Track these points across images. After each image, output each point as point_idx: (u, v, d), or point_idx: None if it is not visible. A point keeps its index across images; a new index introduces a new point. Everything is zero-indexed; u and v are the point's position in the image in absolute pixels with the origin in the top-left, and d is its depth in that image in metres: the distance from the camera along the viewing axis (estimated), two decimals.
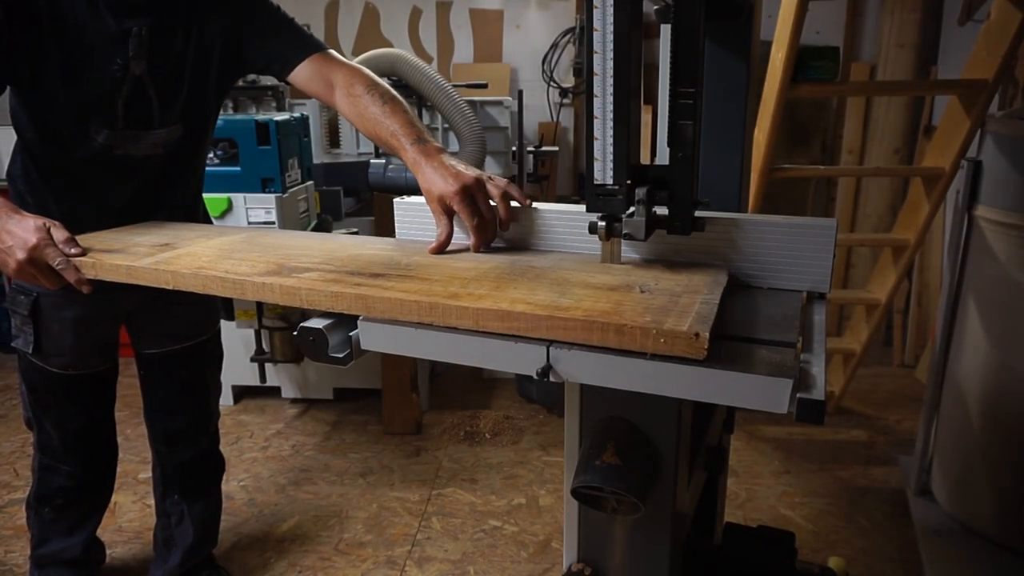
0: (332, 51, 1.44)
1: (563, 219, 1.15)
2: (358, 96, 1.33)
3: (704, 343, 0.76)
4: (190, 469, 1.84)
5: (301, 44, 1.42)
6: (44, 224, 1.17)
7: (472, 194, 1.11)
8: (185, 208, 1.63)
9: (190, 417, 1.80)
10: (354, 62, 1.45)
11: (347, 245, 1.21)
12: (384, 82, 1.38)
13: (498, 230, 1.16)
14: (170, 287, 1.08)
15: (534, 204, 1.16)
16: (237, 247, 1.21)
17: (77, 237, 1.21)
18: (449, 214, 1.13)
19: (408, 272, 1.02)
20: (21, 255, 1.14)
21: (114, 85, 1.33)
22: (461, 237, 1.17)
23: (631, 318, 0.81)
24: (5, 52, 1.24)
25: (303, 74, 1.40)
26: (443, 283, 0.96)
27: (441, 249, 1.14)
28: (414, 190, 1.28)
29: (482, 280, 0.98)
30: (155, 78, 1.36)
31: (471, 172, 1.14)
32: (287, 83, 1.45)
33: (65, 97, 1.32)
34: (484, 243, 1.14)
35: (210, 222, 1.71)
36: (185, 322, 1.70)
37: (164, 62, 1.36)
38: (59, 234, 1.17)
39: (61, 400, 1.62)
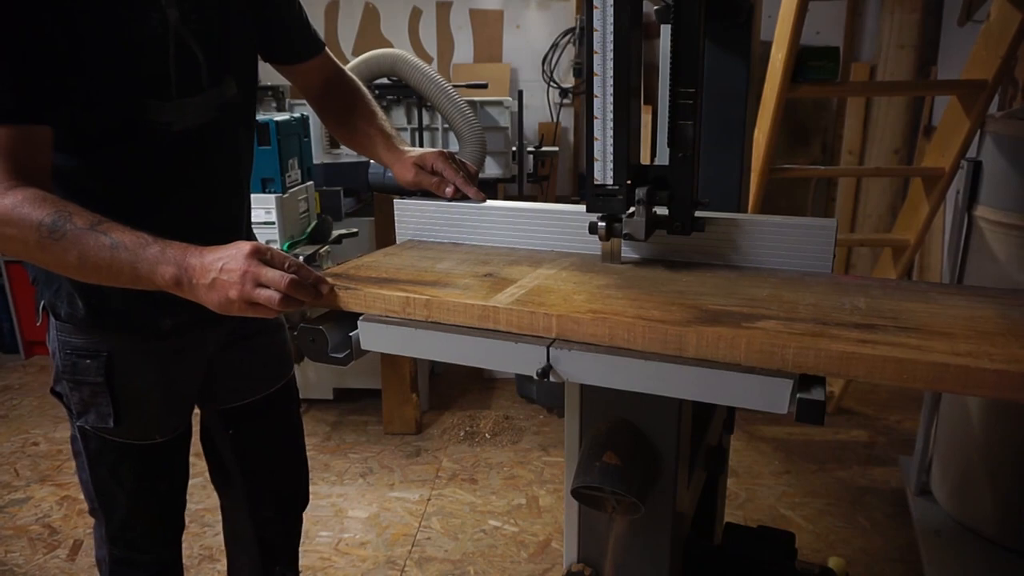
0: (328, 51, 1.42)
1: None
2: (346, 105, 1.42)
3: None
4: (294, 530, 1.57)
5: (309, 40, 1.37)
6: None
7: (447, 155, 1.28)
8: (245, 213, 1.39)
9: (294, 471, 1.53)
10: (350, 64, 1.47)
11: (732, 279, 1.00)
12: (367, 92, 1.47)
13: None
14: (552, 335, 0.86)
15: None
16: (579, 280, 1.01)
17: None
18: (435, 174, 1.29)
19: (895, 321, 0.83)
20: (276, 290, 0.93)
21: (160, 44, 1.14)
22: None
23: None
24: (52, 61, 1.01)
25: (303, 75, 1.40)
26: (970, 339, 0.77)
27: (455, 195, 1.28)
28: (413, 190, 1.29)
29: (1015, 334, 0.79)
30: (191, 30, 1.18)
31: (433, 150, 1.31)
32: (282, 72, 1.39)
33: (118, 75, 1.10)
34: (476, 192, 1.28)
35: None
36: (270, 361, 1.45)
37: (193, 8, 1.18)
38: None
39: (146, 477, 1.32)
